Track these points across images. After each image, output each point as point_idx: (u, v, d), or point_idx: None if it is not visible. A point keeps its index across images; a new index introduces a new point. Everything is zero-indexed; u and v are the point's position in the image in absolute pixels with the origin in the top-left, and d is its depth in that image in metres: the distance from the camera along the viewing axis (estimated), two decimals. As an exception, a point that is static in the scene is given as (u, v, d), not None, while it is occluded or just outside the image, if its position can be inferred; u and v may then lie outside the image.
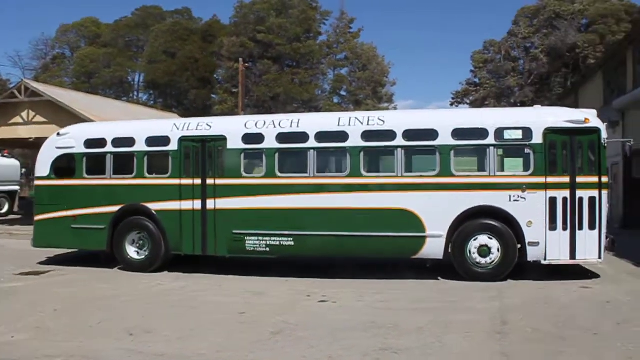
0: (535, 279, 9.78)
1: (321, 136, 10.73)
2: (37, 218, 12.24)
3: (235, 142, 11.13)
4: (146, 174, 11.60)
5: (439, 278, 10.10)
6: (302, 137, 10.80)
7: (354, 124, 10.73)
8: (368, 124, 10.66)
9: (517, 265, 9.88)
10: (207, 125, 11.60)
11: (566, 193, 9.62)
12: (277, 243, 10.80)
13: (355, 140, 10.50)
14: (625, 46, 22.35)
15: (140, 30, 54.74)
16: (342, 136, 10.62)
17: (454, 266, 10.10)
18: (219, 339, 6.69)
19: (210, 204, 11.17)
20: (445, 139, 10.10)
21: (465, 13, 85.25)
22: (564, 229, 9.60)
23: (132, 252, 11.56)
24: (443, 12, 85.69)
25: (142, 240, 11.55)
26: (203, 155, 11.34)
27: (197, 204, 11.25)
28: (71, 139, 12.12)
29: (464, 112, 10.86)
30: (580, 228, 9.57)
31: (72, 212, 11.81)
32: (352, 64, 45.95)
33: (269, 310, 8.05)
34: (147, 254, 11.50)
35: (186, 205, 11.28)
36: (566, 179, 9.68)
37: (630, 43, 21.72)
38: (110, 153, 11.83)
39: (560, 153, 9.79)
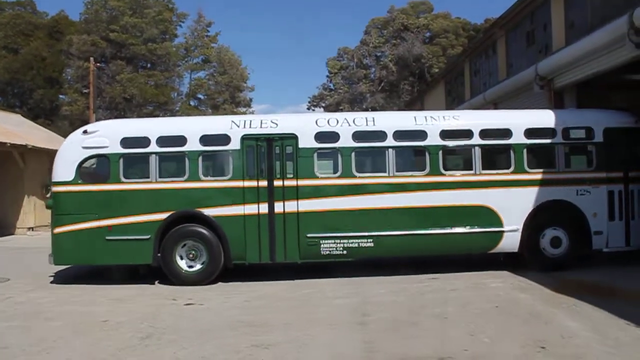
0: (387, 274, 10.49)
1: (399, 135, 10.55)
2: (57, 230, 10.29)
3: (307, 141, 10.45)
4: (201, 176, 10.40)
5: (294, 280, 10.51)
6: (380, 135, 10.54)
7: (431, 122, 10.70)
8: (445, 123, 10.76)
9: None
10: (273, 122, 10.69)
11: (621, 186, 10.53)
12: (356, 245, 10.36)
13: (434, 138, 10.51)
14: (463, 59, 24.51)
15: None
16: (421, 135, 10.57)
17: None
18: (85, 349, 6.48)
19: (279, 207, 10.33)
20: (518, 137, 10.57)
21: (321, 20, 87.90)
22: (620, 218, 10.49)
23: (183, 264, 10.32)
24: (299, 18, 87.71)
25: (194, 251, 10.34)
26: (269, 154, 10.49)
27: (264, 208, 10.33)
28: (103, 138, 10.45)
29: (535, 112, 11.01)
30: (632, 218, 10.52)
31: (106, 222, 10.19)
32: (211, 67, 45.69)
33: (134, 316, 7.89)
34: (203, 265, 10.29)
35: (251, 209, 10.30)
36: (621, 174, 10.55)
37: (467, 56, 23.87)
38: (156, 153, 10.36)
39: (617, 150, 10.55)
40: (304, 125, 10.66)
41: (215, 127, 10.75)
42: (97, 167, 10.59)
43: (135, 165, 10.62)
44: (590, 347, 5.96)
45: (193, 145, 10.36)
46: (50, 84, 45.61)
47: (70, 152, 10.48)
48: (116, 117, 43.11)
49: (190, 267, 10.32)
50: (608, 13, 11.84)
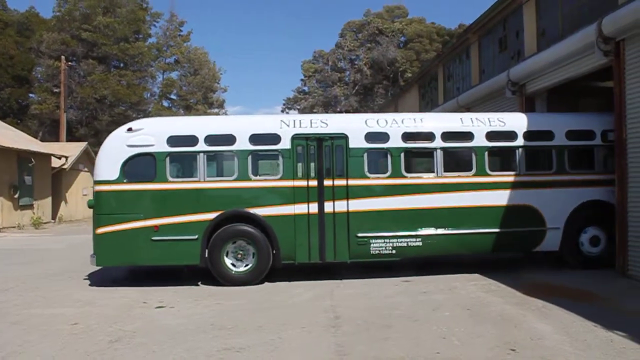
0: (360, 277, 10.56)
1: (447, 136, 10.78)
2: (100, 231, 10.14)
3: (357, 141, 10.53)
4: (251, 176, 10.36)
5: (267, 283, 10.47)
6: (429, 136, 10.75)
7: (477, 124, 10.96)
8: (490, 125, 10.97)
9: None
10: (323, 122, 10.74)
11: None
12: (405, 244, 10.50)
13: (480, 140, 10.78)
14: (436, 64, 24.72)
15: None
16: (468, 136, 10.83)
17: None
18: (52, 352, 6.34)
19: (329, 207, 10.39)
20: (560, 139, 10.99)
21: (297, 22, 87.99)
22: None
23: (231, 264, 10.27)
24: (274, 21, 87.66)
25: (242, 251, 10.30)
26: (319, 154, 10.52)
27: (314, 208, 10.37)
28: (148, 136, 10.30)
29: (576, 115, 11.18)
30: None
31: (152, 222, 10.07)
32: (184, 67, 45.33)
33: (104, 319, 7.77)
34: (251, 265, 10.26)
35: (301, 209, 10.33)
36: None
37: (441, 61, 24.08)
38: (204, 152, 10.29)
39: None
40: (354, 125, 10.78)
41: (265, 127, 10.75)
42: (143, 166, 10.30)
43: (182, 164, 10.61)
44: (559, 349, 6.04)
45: (242, 144, 10.33)
46: (18, 83, 44.63)
47: (114, 150, 10.30)
48: (87, 118, 42.57)
49: (237, 267, 10.29)
50: (578, 21, 12.04)
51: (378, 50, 43.86)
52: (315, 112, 44.26)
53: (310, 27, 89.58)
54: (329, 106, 44.92)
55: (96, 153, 33.20)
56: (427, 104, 26.25)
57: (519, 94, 14.70)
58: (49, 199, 27.37)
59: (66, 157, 27.96)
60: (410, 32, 46.70)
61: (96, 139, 41.47)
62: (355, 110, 44.61)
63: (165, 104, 46.40)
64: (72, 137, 37.41)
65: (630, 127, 10.19)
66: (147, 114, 44.59)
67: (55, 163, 27.69)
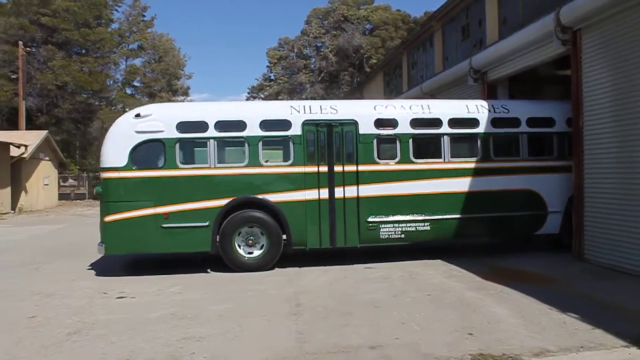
0: (322, 264, 10.60)
1: (454, 122, 11.03)
2: (109, 219, 9.99)
3: (367, 127, 10.66)
4: (262, 162, 10.32)
5: (229, 272, 10.44)
6: (436, 122, 10.96)
7: (482, 111, 11.27)
8: (495, 112, 11.28)
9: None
10: (332, 108, 10.80)
11: None
12: (413, 229, 10.71)
13: (485, 126, 11.11)
14: (401, 51, 24.82)
15: None
16: (474, 123, 11.13)
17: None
18: (7, 346, 6.17)
19: (339, 192, 10.49)
20: (561, 126, 11.38)
21: (262, 8, 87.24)
22: None
23: (242, 251, 10.28)
24: (240, 8, 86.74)
25: (252, 237, 10.32)
26: (329, 140, 10.57)
27: (324, 193, 10.45)
28: (157, 122, 10.15)
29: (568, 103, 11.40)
30: None
31: (162, 209, 9.95)
32: (147, 54, 44.55)
33: (63, 311, 7.62)
34: (262, 251, 10.31)
35: (312, 194, 10.39)
36: None
37: (405, 49, 24.18)
38: (214, 138, 10.20)
39: None
40: (364, 111, 10.91)
41: (276, 113, 10.76)
42: (152, 153, 10.16)
43: (192, 150, 10.51)
44: (515, 332, 6.17)
45: (253, 130, 10.32)
46: (-27, 68, 43.25)
47: (122, 136, 10.12)
48: (47, 105, 41.57)
49: (249, 253, 10.33)
50: (539, 10, 12.21)
51: (344, 37, 43.81)
52: (280, 99, 44.08)
53: (276, 13, 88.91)
54: (295, 93, 44.77)
55: (57, 141, 32.44)
56: (392, 91, 26.38)
57: (481, 81, 14.89)
58: (8, 189, 26.73)
59: (26, 146, 27.31)
60: (376, 19, 46.75)
61: (57, 127, 40.61)
62: (322, 98, 44.58)
63: (129, 91, 45.58)
64: (32, 126, 36.48)
65: (587, 115, 10.42)
66: (110, 102, 43.79)
67: (15, 152, 27.02)
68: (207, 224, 10.06)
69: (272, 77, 47.70)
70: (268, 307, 7.59)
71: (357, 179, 10.54)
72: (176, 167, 10.11)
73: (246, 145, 10.31)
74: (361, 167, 10.57)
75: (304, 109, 10.69)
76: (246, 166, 10.27)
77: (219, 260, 10.32)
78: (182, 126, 10.20)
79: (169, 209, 9.99)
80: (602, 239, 10.05)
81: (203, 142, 10.26)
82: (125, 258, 11.47)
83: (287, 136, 10.45)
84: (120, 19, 45.35)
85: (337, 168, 10.53)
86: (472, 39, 16.84)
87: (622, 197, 9.52)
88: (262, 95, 48.23)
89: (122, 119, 10.55)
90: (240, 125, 10.36)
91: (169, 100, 41.29)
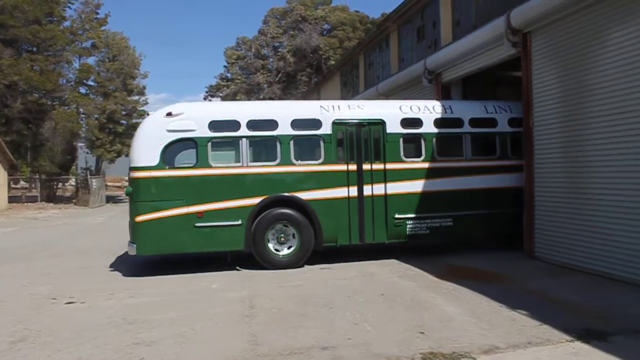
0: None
1: (474, 122, 11.47)
2: (140, 219, 9.90)
3: (394, 126, 11.00)
4: (293, 160, 10.44)
5: (182, 274, 10.32)
6: (458, 122, 11.36)
7: (500, 111, 11.74)
8: (511, 112, 11.73)
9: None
10: (360, 108, 11.11)
11: None
12: (438, 224, 11.09)
13: (503, 126, 11.61)
14: (358, 52, 24.93)
15: None
16: (493, 122, 11.60)
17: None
18: (-57, 356, 5.95)
19: (367, 190, 10.78)
20: None
21: (221, 8, 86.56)
22: None
23: (273, 248, 10.43)
24: (197, 8, 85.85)
25: (284, 235, 10.47)
26: (358, 139, 10.84)
27: (353, 191, 10.73)
28: (189, 121, 10.13)
29: None
30: None
31: (195, 208, 9.97)
32: (101, 53, 43.55)
33: (9, 318, 7.38)
34: (294, 248, 10.48)
35: (341, 192, 10.65)
36: None
37: (362, 49, 24.31)
38: (246, 137, 10.29)
39: None
40: (390, 111, 11.22)
41: (306, 112, 10.89)
42: (184, 151, 10.16)
43: (225, 149, 10.43)
44: (466, 330, 6.25)
45: (285, 129, 10.47)
46: None
47: (153, 135, 10.08)
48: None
49: (279, 251, 10.48)
50: (491, 13, 12.42)
51: (301, 37, 43.78)
52: (238, 100, 43.77)
53: (234, 13, 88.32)
54: (252, 93, 44.51)
55: (7, 142, 31.31)
56: (349, 92, 26.48)
57: (435, 82, 15.07)
58: (-46, 191, 25.81)
59: (-28, 147, 26.43)
60: (334, 20, 46.89)
61: (7, 127, 39.32)
62: (279, 98, 44.45)
63: (83, 90, 44.43)
64: (-21, 126, 35.28)
65: (537, 115, 10.66)
66: (63, 102, 42.64)
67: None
68: (240, 222, 10.16)
69: (230, 77, 47.30)
70: (222, 310, 7.50)
71: (385, 176, 10.87)
72: (209, 166, 10.15)
73: (278, 144, 10.44)
74: (388, 166, 10.92)
75: (333, 109, 10.94)
76: (278, 165, 10.42)
77: (189, 263, 10.12)
78: (215, 125, 10.26)
79: (202, 208, 10.04)
80: (551, 237, 10.29)
81: (235, 141, 10.34)
82: (79, 262, 11.21)
83: (317, 135, 10.66)
84: (72, 17, 44.17)
85: (366, 166, 10.86)
86: (427, 40, 17.03)
87: (570, 196, 9.77)
88: (220, 95, 47.78)
89: (153, 118, 10.52)
90: (272, 124, 10.49)
91: (125, 101, 40.43)
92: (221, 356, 5.66)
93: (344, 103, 11.37)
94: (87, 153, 39.41)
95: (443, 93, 14.87)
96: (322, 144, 10.64)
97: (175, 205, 9.96)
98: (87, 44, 41.85)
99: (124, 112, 40.50)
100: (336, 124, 10.74)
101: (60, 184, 39.37)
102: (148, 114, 10.71)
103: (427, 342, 5.88)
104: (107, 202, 37.29)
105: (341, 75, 28.70)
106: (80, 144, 40.54)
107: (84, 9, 41.94)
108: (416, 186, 11.04)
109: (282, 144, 10.43)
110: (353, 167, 10.79)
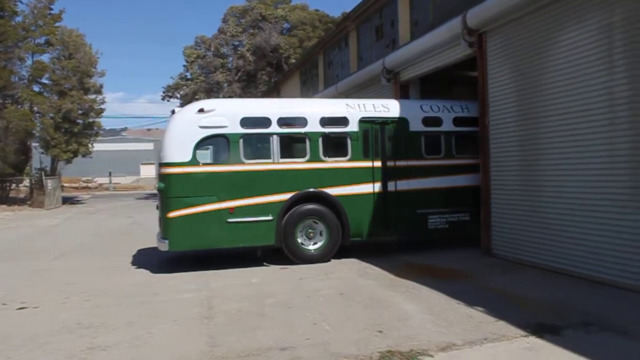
0: (236, 266, 10.48)
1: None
2: (173, 214, 9.96)
3: (416, 125, 11.49)
4: (322, 157, 10.73)
5: (140, 276, 10.16)
6: (474, 121, 11.48)
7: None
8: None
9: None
10: (384, 107, 11.47)
11: None
12: (456, 219, 11.58)
13: None
14: (317, 51, 24.93)
15: None
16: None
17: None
18: None
19: (391, 186, 11.19)
20: None
21: (179, 6, 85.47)
22: None
23: (302, 243, 10.72)
24: (155, 4, 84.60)
25: (312, 230, 10.76)
26: (382, 136, 11.23)
27: (378, 187, 11.13)
28: (221, 117, 10.26)
29: None
30: None
31: (227, 204, 10.11)
32: (56, 50, 42.37)
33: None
34: (323, 243, 10.75)
35: (367, 188, 11.03)
36: None
37: (321, 48, 24.31)
38: (277, 134, 10.50)
39: None
40: (412, 110, 11.67)
41: (333, 110, 11.22)
42: (216, 147, 10.33)
43: (255, 145, 10.62)
44: (424, 328, 6.30)
45: (314, 126, 10.75)
46: None
47: (185, 131, 10.18)
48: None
49: (307, 245, 10.75)
50: (448, 13, 12.57)
51: (261, 36, 43.39)
52: (197, 99, 43.22)
53: (193, 11, 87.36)
54: (212, 92, 43.92)
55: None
56: (308, 90, 26.47)
57: (394, 81, 15.17)
58: None
59: None
60: (294, 19, 46.70)
61: (-43, 126, 37.99)
62: (239, 97, 44.12)
63: (36, 88, 43.20)
64: None
65: (492, 115, 10.83)
66: (16, 100, 41.42)
67: None
68: (271, 217, 10.37)
69: (189, 76, 46.67)
70: (180, 312, 7.39)
71: (408, 173, 11.29)
72: (241, 162, 10.32)
73: (307, 141, 10.71)
74: (411, 162, 11.38)
75: (359, 107, 11.29)
76: (307, 161, 10.70)
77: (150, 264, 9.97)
78: (246, 122, 10.41)
79: (234, 204, 10.19)
80: (507, 234, 10.47)
81: (266, 138, 10.50)
82: (33, 266, 10.89)
83: (345, 132, 10.98)
84: (24, 12, 42.81)
85: (390, 163, 11.25)
86: (385, 39, 17.14)
87: (525, 194, 9.96)
88: (179, 95, 47.07)
89: (185, 115, 10.55)
90: (301, 121, 10.76)
91: (82, 99, 39.39)
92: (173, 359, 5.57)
93: (369, 102, 11.69)
94: (42, 153, 38.24)
95: (402, 92, 14.98)
96: (349, 141, 11.00)
97: (207, 201, 10.08)
98: (40, 41, 40.61)
99: (80, 111, 39.47)
100: (362, 121, 11.12)
101: (14, 185, 38.19)
102: (173, 112, 10.90)
103: (386, 340, 5.90)
104: (64, 203, 36.43)
105: (301, 74, 28.67)
106: (34, 144, 39.41)
107: (36, 4, 40.68)
108: (437, 182, 11.52)
109: (311, 140, 10.72)
110: (378, 163, 11.20)
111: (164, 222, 10.17)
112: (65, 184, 49.55)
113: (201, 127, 10.16)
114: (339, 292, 8.23)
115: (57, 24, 40.84)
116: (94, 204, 37.13)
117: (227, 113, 10.41)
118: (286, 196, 10.47)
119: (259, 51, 43.87)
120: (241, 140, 10.31)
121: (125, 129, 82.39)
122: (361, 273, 9.66)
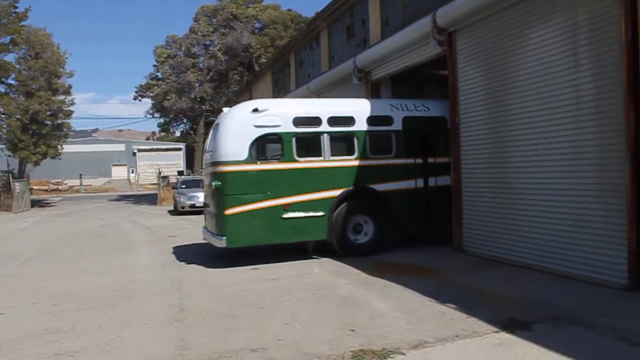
0: (207, 267, 10.46)
1: None
2: (230, 211, 10.25)
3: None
4: (369, 154, 11.13)
5: (111, 278, 10.01)
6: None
7: None
8: None
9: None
10: (424, 107, 11.86)
11: None
12: None
13: None
14: (289, 50, 24.88)
15: None
16: None
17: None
18: None
19: (432, 181, 11.60)
20: None
21: (150, 6, 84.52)
22: None
23: (352, 238, 11.10)
24: (125, 3, 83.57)
25: (360, 225, 11.17)
26: (423, 135, 11.60)
27: (420, 183, 11.54)
28: (275, 117, 10.59)
29: None
30: None
31: (282, 201, 10.45)
32: (22, 50, 41.51)
33: None
34: (370, 237, 11.17)
35: (410, 184, 11.41)
36: None
37: (292, 48, 24.26)
38: (327, 133, 10.88)
39: None
40: (448, 109, 11.62)
41: (378, 109, 11.58)
42: (271, 146, 10.68)
43: (307, 144, 10.86)
44: (396, 326, 6.30)
45: (361, 125, 11.18)
46: None
47: (241, 130, 10.45)
48: None
49: (356, 240, 11.15)
50: (418, 12, 12.64)
51: (232, 36, 43.16)
52: (168, 99, 42.94)
53: (164, 11, 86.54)
54: (183, 92, 43.58)
55: None
56: (280, 90, 26.42)
57: (365, 80, 15.22)
58: None
59: None
60: (265, 18, 46.60)
61: None
62: (211, 97, 43.88)
63: (2, 89, 42.29)
64: None
65: (463, 113, 10.93)
66: (-19, 101, 40.45)
67: None
68: (323, 213, 10.73)
69: (160, 76, 46.22)
70: (151, 315, 7.28)
71: (449, 169, 11.42)
72: (294, 160, 10.65)
73: (355, 139, 11.11)
74: (448, 159, 11.52)
75: (401, 107, 11.69)
76: (356, 159, 11.08)
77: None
78: (298, 121, 10.76)
79: (288, 201, 10.50)
80: (478, 231, 10.58)
81: (317, 136, 10.86)
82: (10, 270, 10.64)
83: (390, 131, 11.41)
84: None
85: (431, 159, 11.64)
86: (356, 38, 17.17)
87: (494, 191, 10.07)
88: (150, 95, 46.58)
89: (239, 114, 10.84)
90: (350, 120, 11.16)
91: (50, 100, 38.65)
92: (148, 363, 5.49)
93: (410, 102, 11.95)
94: (10, 156, 37.44)
95: (373, 91, 15.04)
96: (393, 139, 11.40)
97: (262, 198, 10.39)
98: (5, 40, 39.67)
99: (49, 113, 38.70)
100: (406, 120, 11.51)
101: (-20, 188, 37.37)
102: (222, 111, 11.51)
103: (358, 339, 5.89)
104: (33, 206, 35.80)
105: (273, 74, 28.58)
106: (1, 146, 38.58)
107: (0, 2, 39.85)
108: None
109: (358, 139, 11.11)
110: (420, 160, 11.60)
111: (221, 219, 10.40)
112: (35, 187, 48.68)
113: (256, 126, 10.47)
114: (312, 292, 8.20)
115: (22, 23, 39.82)
116: (64, 207, 36.54)
117: (280, 112, 10.74)
118: (336, 192, 10.86)
119: (230, 51, 43.65)
120: (294, 139, 10.66)
121: (96, 130, 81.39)
122: (334, 272, 9.65)
